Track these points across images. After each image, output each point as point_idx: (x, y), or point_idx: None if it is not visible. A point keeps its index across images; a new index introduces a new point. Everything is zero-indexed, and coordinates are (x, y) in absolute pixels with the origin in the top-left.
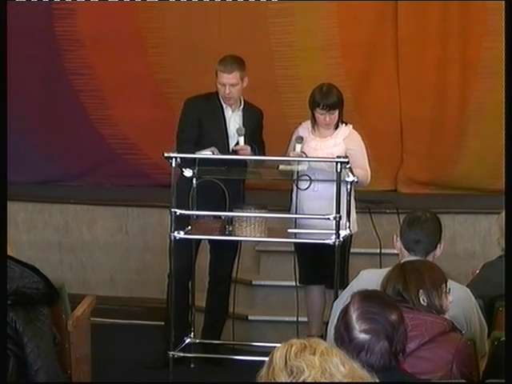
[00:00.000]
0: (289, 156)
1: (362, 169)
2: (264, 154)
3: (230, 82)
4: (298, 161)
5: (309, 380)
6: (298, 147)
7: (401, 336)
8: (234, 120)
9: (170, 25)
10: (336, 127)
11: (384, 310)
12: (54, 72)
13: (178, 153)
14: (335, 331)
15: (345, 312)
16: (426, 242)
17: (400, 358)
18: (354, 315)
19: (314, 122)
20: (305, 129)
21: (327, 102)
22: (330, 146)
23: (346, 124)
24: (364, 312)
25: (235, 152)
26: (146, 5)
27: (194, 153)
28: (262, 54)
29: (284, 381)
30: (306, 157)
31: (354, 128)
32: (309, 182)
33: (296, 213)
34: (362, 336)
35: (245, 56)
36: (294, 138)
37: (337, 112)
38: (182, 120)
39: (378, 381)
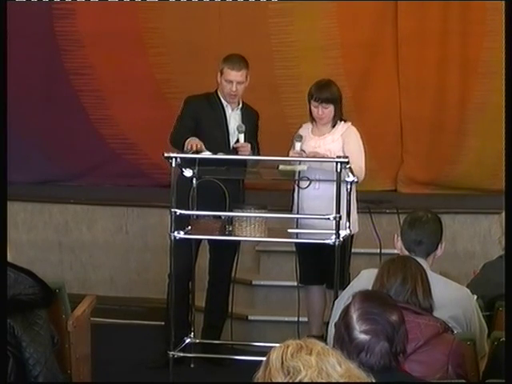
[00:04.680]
0: (289, 154)
1: (356, 165)
2: (259, 156)
3: (238, 80)
4: (299, 161)
5: (305, 380)
6: (298, 145)
7: (401, 337)
8: (233, 118)
9: (170, 25)
10: (334, 125)
11: (384, 310)
12: (53, 72)
13: (172, 139)
14: (336, 331)
15: (345, 312)
16: (427, 243)
17: (400, 359)
18: (354, 315)
19: (312, 118)
20: (305, 129)
21: (320, 94)
22: (328, 143)
23: (345, 121)
24: (364, 312)
25: (236, 149)
26: (146, 5)
27: (183, 141)
28: (262, 53)
29: (281, 381)
30: (307, 155)
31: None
32: (309, 181)
33: (297, 213)
34: (362, 336)
35: (245, 56)
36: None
37: (331, 107)
38: (181, 113)
39: (374, 381)
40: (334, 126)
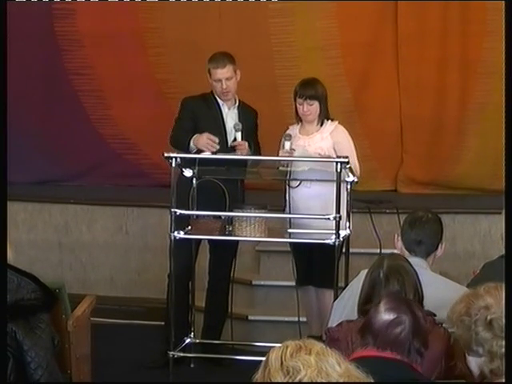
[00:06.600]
0: (279, 154)
1: (351, 164)
2: (259, 155)
3: (225, 77)
4: (296, 161)
5: (305, 380)
6: (287, 144)
7: (422, 334)
8: (230, 117)
9: (170, 25)
10: (321, 123)
11: (412, 305)
12: (53, 72)
13: (173, 140)
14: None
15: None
16: (427, 243)
17: (415, 358)
18: (382, 307)
19: (298, 118)
20: (292, 130)
21: (305, 91)
22: (317, 141)
23: (332, 120)
24: (392, 300)
25: (233, 148)
26: (146, 5)
27: (188, 139)
28: (262, 53)
29: (280, 381)
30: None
31: (350, 127)
32: (299, 181)
33: (290, 212)
34: (387, 317)
35: (245, 56)
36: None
37: (316, 104)
38: (179, 115)
39: (373, 381)
40: (321, 125)
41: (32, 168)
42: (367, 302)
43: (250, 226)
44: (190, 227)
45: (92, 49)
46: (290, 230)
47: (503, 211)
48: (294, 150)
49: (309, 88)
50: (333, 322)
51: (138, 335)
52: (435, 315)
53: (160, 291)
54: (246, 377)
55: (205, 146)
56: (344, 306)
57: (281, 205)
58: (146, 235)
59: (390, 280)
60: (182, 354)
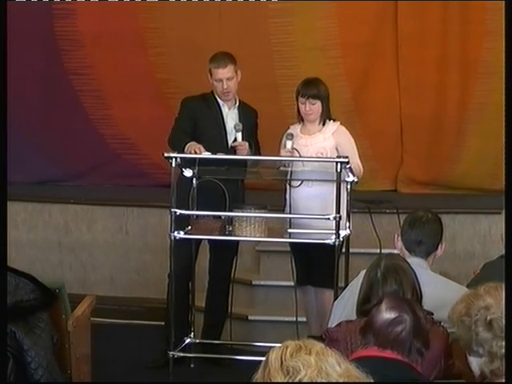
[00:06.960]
0: (280, 153)
1: (354, 164)
2: (259, 155)
3: (226, 76)
4: (296, 161)
5: (305, 380)
6: (289, 144)
7: (423, 335)
8: (230, 117)
9: (170, 25)
10: (323, 123)
11: (413, 305)
12: (54, 72)
13: (171, 141)
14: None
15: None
16: (427, 243)
17: (415, 358)
18: (383, 305)
19: (300, 117)
20: (293, 129)
21: (307, 91)
22: (319, 141)
23: (334, 120)
24: (394, 299)
25: (234, 148)
26: (146, 5)
27: (186, 142)
28: (262, 53)
29: (280, 381)
30: (299, 153)
31: (350, 127)
32: (301, 181)
33: (290, 212)
34: (388, 315)
35: (245, 56)
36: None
37: (318, 103)
38: (179, 115)
39: (373, 381)
40: (323, 125)
41: (32, 168)
42: (365, 303)
43: (250, 226)
44: (190, 227)
45: (92, 49)
46: (289, 230)
47: (503, 211)
48: (295, 149)
49: (311, 87)
50: (333, 322)
51: (138, 335)
52: (433, 314)
53: (160, 291)
54: (246, 377)
55: (190, 148)
56: (344, 306)
57: (281, 205)
58: (146, 235)
59: (388, 280)
60: (182, 354)
